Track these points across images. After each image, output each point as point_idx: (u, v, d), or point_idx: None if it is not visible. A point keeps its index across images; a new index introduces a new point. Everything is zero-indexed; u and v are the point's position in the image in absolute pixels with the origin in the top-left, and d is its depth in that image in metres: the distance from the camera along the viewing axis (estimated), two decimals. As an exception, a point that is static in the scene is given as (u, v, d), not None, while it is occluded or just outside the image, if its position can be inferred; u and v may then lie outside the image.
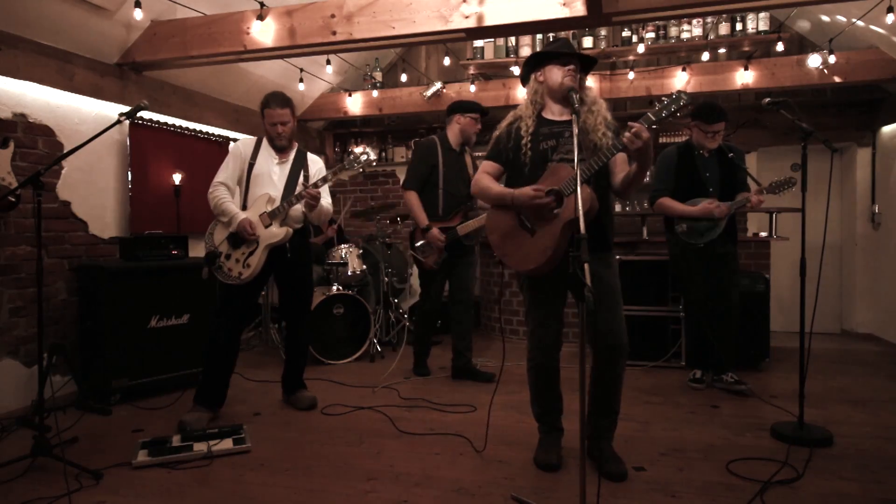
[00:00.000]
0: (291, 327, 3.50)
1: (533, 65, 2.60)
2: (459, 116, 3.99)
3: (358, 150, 3.37)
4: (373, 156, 3.34)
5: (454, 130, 4.01)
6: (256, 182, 3.25)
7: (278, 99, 3.25)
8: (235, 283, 3.16)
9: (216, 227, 3.25)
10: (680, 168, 3.68)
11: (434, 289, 4.09)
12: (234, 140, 5.03)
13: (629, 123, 2.22)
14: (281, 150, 3.31)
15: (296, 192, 3.20)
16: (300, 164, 3.36)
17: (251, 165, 3.26)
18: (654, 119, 2.23)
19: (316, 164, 3.43)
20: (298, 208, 3.24)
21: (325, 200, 3.29)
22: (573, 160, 2.10)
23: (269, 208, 3.18)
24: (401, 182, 4.41)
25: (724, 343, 3.70)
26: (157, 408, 3.45)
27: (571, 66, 2.47)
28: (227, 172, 3.26)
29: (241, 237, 3.16)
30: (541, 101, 2.57)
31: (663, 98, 2.24)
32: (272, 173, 3.27)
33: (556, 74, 2.50)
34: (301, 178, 3.32)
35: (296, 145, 3.40)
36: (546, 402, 2.65)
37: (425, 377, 4.13)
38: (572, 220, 2.25)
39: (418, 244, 3.97)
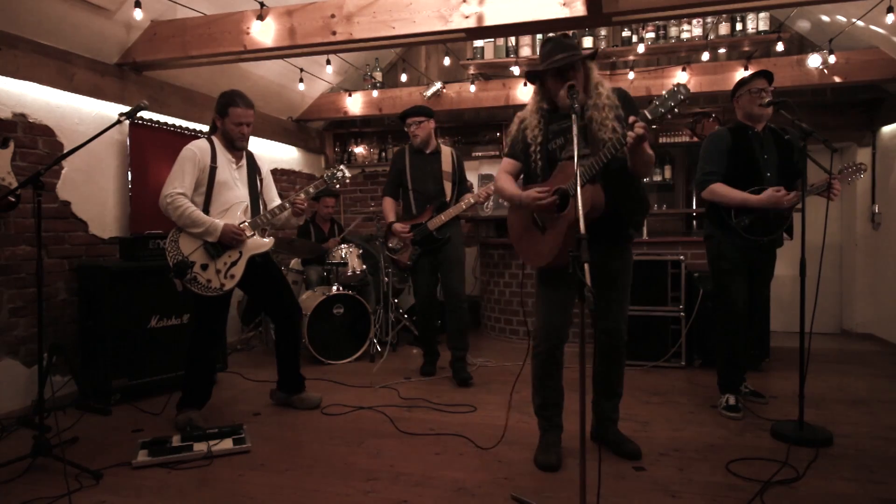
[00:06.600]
0: (287, 325, 3.38)
1: (536, 79, 2.59)
2: (408, 124, 4.10)
3: (340, 167, 3.41)
4: (347, 173, 3.39)
5: (411, 135, 4.10)
6: (220, 189, 3.08)
7: (245, 98, 3.12)
8: (215, 294, 3.05)
9: (180, 237, 3.04)
10: (734, 150, 3.14)
11: (419, 285, 4.16)
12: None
13: (630, 118, 2.17)
14: (237, 153, 3.20)
15: (281, 202, 3.20)
16: (253, 167, 3.29)
17: (213, 171, 3.07)
18: (650, 118, 2.14)
19: (263, 163, 3.38)
20: (282, 216, 3.21)
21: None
22: (582, 157, 2.12)
23: (244, 217, 3.12)
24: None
25: (745, 349, 3.42)
26: (156, 408, 3.44)
27: (572, 83, 2.34)
28: (185, 180, 3.01)
29: (228, 245, 3.06)
30: (548, 104, 2.55)
31: (664, 93, 2.14)
32: (234, 179, 3.15)
33: (556, 87, 2.44)
34: (258, 182, 3.28)
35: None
36: (547, 394, 2.66)
37: (429, 377, 4.13)
38: (576, 220, 2.25)
39: (391, 244, 4.17)
